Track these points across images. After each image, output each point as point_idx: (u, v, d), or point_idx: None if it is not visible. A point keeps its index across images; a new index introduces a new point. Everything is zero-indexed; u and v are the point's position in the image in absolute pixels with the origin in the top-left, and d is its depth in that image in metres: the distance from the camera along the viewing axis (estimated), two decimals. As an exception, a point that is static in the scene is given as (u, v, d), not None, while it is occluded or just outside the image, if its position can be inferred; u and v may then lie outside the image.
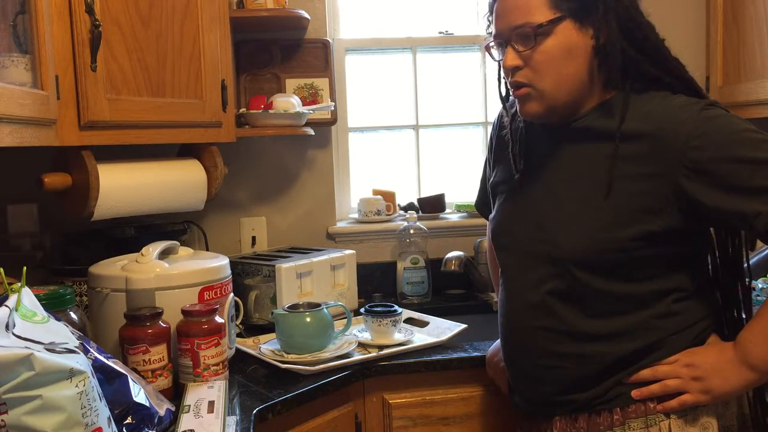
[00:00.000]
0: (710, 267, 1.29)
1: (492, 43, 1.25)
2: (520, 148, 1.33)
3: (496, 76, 1.35)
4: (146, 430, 1.13)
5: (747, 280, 1.27)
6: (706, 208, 1.13)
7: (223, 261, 1.57)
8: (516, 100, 1.26)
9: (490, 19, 1.26)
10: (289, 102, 1.99)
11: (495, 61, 1.27)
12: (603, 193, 1.17)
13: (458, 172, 2.42)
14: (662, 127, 1.14)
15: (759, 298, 1.70)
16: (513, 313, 1.31)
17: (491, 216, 1.42)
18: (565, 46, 1.17)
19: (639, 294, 1.19)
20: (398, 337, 1.70)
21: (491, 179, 1.45)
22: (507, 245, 1.34)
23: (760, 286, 1.73)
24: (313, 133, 2.10)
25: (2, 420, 0.82)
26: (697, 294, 1.23)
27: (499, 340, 1.40)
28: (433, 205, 2.34)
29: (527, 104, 1.23)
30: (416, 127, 2.41)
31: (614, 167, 1.17)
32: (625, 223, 1.16)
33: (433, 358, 1.63)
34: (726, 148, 1.11)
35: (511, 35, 1.19)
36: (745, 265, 1.27)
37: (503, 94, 1.38)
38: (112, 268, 1.47)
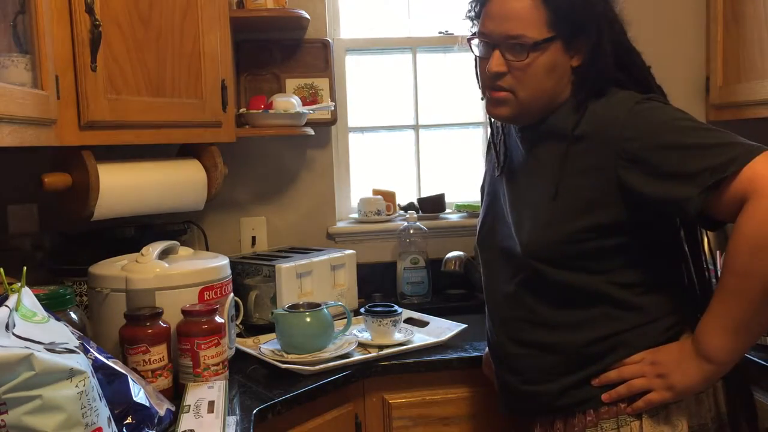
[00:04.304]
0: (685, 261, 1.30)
1: (476, 39, 1.28)
2: (501, 148, 1.39)
3: (474, 71, 1.33)
4: (146, 430, 1.13)
5: (707, 271, 1.29)
6: (642, 197, 1.15)
7: (223, 261, 1.57)
8: (488, 99, 1.29)
9: (476, 13, 1.27)
10: (289, 102, 1.99)
11: (475, 55, 1.30)
12: (553, 189, 1.21)
13: (458, 172, 2.42)
14: (602, 123, 1.19)
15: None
16: (492, 305, 1.37)
17: (479, 217, 1.46)
18: (551, 64, 1.22)
19: (597, 285, 1.22)
20: (398, 337, 1.70)
21: (482, 183, 1.51)
22: (488, 244, 1.40)
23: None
24: (313, 133, 2.10)
25: (2, 420, 0.82)
26: (665, 288, 1.24)
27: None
28: (433, 205, 2.34)
29: (500, 107, 1.27)
30: (416, 127, 2.40)
31: (564, 165, 1.21)
32: (575, 216, 1.20)
33: (433, 358, 1.63)
34: (655, 136, 1.15)
35: (503, 42, 1.22)
36: (705, 256, 1.29)
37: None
38: (112, 268, 1.47)
